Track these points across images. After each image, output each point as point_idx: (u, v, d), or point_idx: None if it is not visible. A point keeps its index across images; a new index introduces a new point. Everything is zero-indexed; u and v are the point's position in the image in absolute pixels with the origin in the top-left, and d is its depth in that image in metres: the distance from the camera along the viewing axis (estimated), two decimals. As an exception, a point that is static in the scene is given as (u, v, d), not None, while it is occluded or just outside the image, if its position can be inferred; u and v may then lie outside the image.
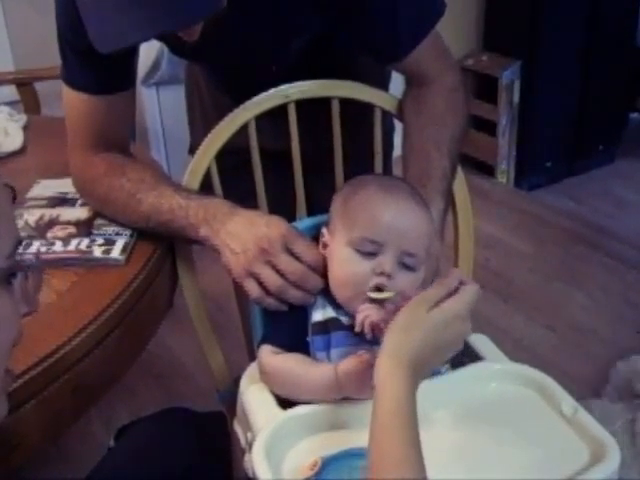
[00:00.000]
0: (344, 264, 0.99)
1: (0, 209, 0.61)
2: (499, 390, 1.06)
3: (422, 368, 0.84)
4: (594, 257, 2.79)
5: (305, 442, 0.96)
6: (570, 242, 2.90)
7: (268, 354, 1.03)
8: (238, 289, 1.23)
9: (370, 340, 1.00)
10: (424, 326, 0.84)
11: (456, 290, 0.89)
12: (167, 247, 1.20)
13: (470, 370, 1.07)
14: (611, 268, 2.71)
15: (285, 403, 1.01)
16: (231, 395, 1.22)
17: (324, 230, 1.05)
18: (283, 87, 1.26)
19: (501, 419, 1.02)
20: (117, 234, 1.17)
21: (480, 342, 1.15)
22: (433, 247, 1.05)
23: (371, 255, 0.97)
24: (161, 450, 1.03)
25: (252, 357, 1.30)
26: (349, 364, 0.96)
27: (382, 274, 0.97)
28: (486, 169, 3.39)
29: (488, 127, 3.30)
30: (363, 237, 0.97)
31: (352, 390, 0.96)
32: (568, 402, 1.01)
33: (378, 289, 0.98)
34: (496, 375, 1.07)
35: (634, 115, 3.72)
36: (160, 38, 1.12)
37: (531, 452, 0.97)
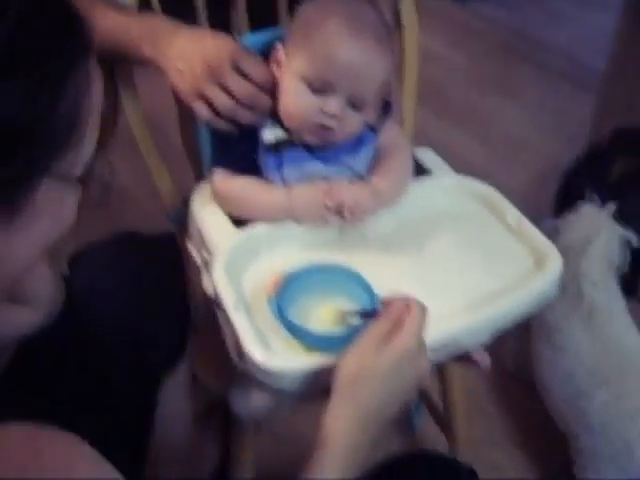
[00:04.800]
0: (294, 97, 0.98)
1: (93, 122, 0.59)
2: (447, 203, 1.09)
3: (380, 416, 0.80)
4: (528, 69, 2.80)
5: (263, 260, 0.99)
6: (504, 54, 2.89)
7: (221, 178, 1.03)
8: (182, 110, 1.21)
9: (323, 157, 1.01)
10: (375, 375, 0.78)
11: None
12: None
13: (418, 184, 1.09)
14: (545, 80, 2.73)
15: (239, 223, 1.02)
16: (181, 217, 1.23)
17: (279, 46, 1.01)
18: None
19: (449, 231, 1.06)
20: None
21: (427, 156, 1.17)
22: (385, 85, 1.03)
23: (322, 92, 0.96)
24: (116, 276, 1.04)
25: (198, 178, 1.30)
26: (303, 188, 0.99)
27: (329, 114, 0.96)
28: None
29: None
30: (318, 76, 0.95)
31: (303, 213, 0.99)
32: (513, 213, 1.06)
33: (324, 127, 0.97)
34: (444, 189, 1.10)
35: None
36: None
37: (478, 260, 1.02)
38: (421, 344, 0.82)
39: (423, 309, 0.82)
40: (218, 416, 1.39)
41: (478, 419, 1.60)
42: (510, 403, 1.68)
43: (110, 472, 0.56)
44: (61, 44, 0.55)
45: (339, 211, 0.96)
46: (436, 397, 1.43)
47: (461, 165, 1.16)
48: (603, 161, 1.84)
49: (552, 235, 1.25)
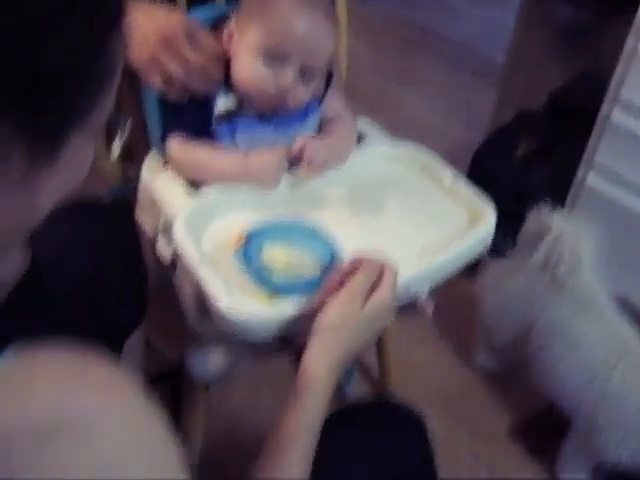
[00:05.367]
0: (248, 67, 1.03)
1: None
2: (389, 166, 1.17)
3: (348, 362, 0.87)
4: (428, 60, 2.92)
5: (221, 222, 1.03)
6: (406, 47, 3.00)
7: (178, 144, 1.07)
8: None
9: (272, 125, 1.06)
10: (357, 324, 0.86)
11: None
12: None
13: (361, 150, 1.16)
14: (444, 70, 2.86)
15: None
16: (122, 190, 1.25)
17: (232, 18, 1.06)
18: None
19: (393, 192, 1.13)
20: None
21: (364, 125, 1.25)
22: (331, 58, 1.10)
23: (275, 63, 1.01)
24: (73, 243, 1.04)
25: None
26: (260, 150, 1.04)
27: (284, 84, 1.02)
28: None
29: None
30: (274, 47, 1.00)
31: (259, 173, 1.05)
32: (448, 173, 1.14)
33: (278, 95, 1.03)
34: (384, 155, 1.18)
35: None
36: None
37: (421, 217, 1.10)
38: (394, 303, 0.91)
39: (395, 268, 0.91)
40: (166, 385, 1.42)
41: (413, 382, 1.66)
42: (443, 366, 1.74)
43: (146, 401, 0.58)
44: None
45: (298, 160, 1.02)
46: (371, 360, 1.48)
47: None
48: (509, 141, 1.97)
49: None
